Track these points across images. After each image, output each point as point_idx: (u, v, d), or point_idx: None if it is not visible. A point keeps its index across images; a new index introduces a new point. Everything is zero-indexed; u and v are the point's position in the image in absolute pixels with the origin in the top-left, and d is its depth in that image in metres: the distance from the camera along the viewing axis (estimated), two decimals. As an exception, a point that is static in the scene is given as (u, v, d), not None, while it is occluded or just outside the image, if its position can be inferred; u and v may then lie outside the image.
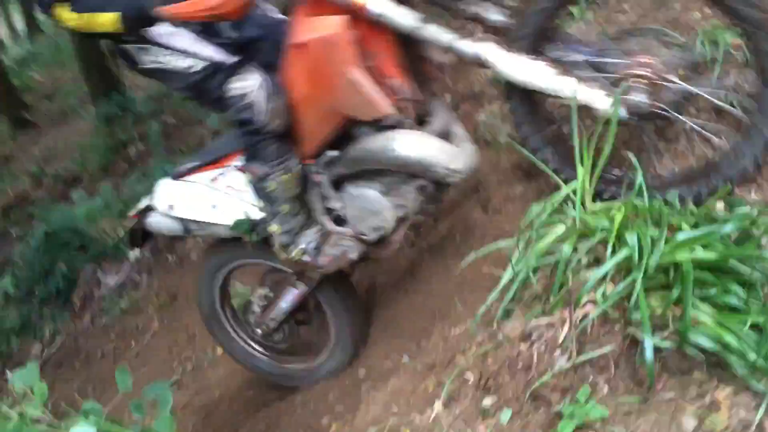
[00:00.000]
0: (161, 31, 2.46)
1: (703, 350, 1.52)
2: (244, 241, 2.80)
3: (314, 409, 2.92)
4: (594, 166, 1.97)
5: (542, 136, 2.42)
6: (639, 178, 1.85)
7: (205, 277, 3.19)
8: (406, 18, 2.25)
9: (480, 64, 2.28)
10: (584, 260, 1.79)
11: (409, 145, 2.39)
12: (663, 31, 2.33)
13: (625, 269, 1.68)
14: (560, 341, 1.68)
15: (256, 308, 3.11)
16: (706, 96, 2.23)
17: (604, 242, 1.75)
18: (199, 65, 2.46)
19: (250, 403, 3.32)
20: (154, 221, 2.98)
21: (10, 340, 5.94)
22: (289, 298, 2.99)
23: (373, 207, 2.56)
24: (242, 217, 2.75)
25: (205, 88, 2.49)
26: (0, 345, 5.90)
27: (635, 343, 1.59)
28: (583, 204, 1.91)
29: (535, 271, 1.88)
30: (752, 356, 1.47)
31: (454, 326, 2.23)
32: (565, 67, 2.19)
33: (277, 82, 2.42)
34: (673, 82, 2.12)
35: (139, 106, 9.08)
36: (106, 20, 2.36)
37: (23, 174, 10.36)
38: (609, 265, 1.66)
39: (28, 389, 1.92)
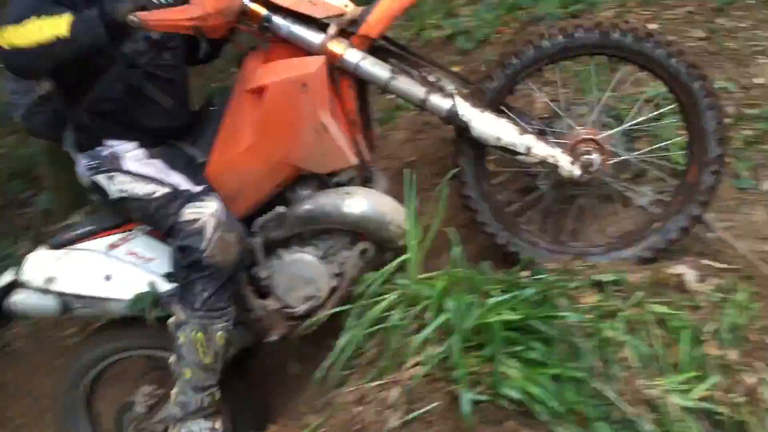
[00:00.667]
0: (132, 156, 2.39)
1: (513, 401, 1.72)
2: (144, 323, 2.49)
3: None
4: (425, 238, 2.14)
5: (484, 197, 2.48)
6: (457, 250, 2.07)
7: (71, 374, 2.77)
8: (381, 70, 2.23)
9: (449, 120, 2.30)
10: (412, 326, 1.96)
11: (366, 201, 2.31)
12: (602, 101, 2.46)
13: (446, 332, 1.87)
14: (390, 402, 1.81)
15: (140, 409, 2.72)
16: (641, 162, 2.50)
17: (427, 309, 1.94)
18: (160, 191, 2.34)
19: None
20: (20, 299, 2.57)
21: None
22: None
23: (309, 274, 2.39)
24: (145, 289, 2.46)
25: (162, 214, 2.33)
26: None
27: (457, 399, 1.76)
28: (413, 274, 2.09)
29: (367, 337, 2.02)
30: (554, 404, 1.69)
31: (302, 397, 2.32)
32: (523, 127, 2.32)
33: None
34: (614, 150, 2.36)
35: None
36: (53, 27, 2.08)
37: None
38: (430, 328, 1.84)
39: None
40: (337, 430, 1.83)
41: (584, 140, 2.32)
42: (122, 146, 2.43)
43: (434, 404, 1.77)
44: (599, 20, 2.29)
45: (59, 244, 2.58)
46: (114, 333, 2.71)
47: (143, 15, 2.05)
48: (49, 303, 2.53)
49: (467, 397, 1.70)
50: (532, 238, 2.50)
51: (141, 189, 2.35)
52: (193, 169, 2.41)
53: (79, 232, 2.58)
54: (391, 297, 2.06)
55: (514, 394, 1.71)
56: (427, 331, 1.84)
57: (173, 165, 2.40)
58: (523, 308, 1.84)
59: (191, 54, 2.58)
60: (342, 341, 2.04)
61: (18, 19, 2.09)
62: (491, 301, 1.87)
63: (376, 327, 2.02)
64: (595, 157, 2.31)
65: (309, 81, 2.15)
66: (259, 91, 2.20)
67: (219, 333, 2.30)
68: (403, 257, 2.12)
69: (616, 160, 2.38)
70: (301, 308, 2.44)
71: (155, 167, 2.39)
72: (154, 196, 2.34)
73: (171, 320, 2.34)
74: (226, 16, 2.08)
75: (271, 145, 2.24)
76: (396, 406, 1.79)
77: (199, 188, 2.35)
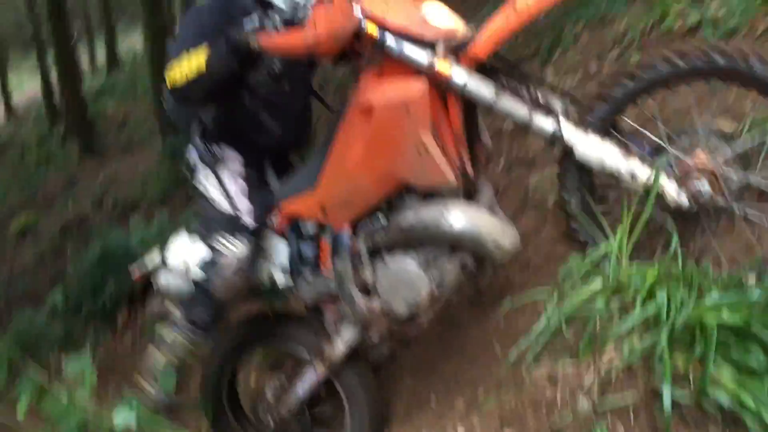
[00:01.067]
0: (230, 167, 2.70)
1: (720, 408, 1.58)
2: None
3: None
4: (632, 230, 2.05)
5: (584, 205, 2.42)
6: (674, 242, 1.94)
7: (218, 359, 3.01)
8: (486, 90, 2.22)
9: (552, 143, 2.28)
10: (616, 315, 1.87)
11: (464, 217, 2.31)
12: (710, 126, 2.35)
13: (653, 325, 1.76)
14: (584, 387, 1.75)
15: (270, 396, 2.89)
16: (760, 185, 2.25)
17: (635, 299, 1.84)
18: (223, 207, 2.64)
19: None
20: (163, 279, 2.83)
21: (52, 351, 6.12)
22: (306, 385, 2.78)
23: (410, 280, 2.40)
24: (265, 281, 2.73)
25: (210, 224, 2.66)
26: (42, 356, 6.11)
27: (656, 396, 1.65)
28: (619, 262, 2.00)
29: (567, 321, 1.96)
30: (768, 417, 1.53)
31: (487, 369, 2.31)
32: (632, 151, 2.24)
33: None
34: (728, 174, 2.16)
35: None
36: (196, 62, 2.35)
37: (86, 196, 10.84)
38: (636, 317, 1.75)
39: (78, 375, 2.06)
40: (527, 407, 1.81)
41: (694, 168, 2.18)
42: (228, 153, 2.72)
43: (631, 397, 1.68)
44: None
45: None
46: (260, 325, 2.96)
47: (262, 39, 2.23)
48: (185, 286, 2.76)
49: (669, 394, 1.60)
50: None
51: (215, 194, 2.67)
52: (265, 204, 2.67)
53: None
54: (595, 283, 1.98)
55: (724, 400, 1.57)
56: (632, 320, 1.75)
57: (251, 193, 2.68)
58: (746, 311, 1.68)
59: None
60: (540, 324, 2.00)
61: (177, 55, 2.39)
62: (709, 299, 1.72)
63: (576, 312, 1.95)
64: (704, 186, 2.16)
65: (411, 105, 2.19)
66: (369, 111, 2.27)
67: (193, 344, 2.77)
68: (610, 244, 2.04)
69: (730, 184, 2.18)
70: (403, 311, 2.46)
71: (237, 187, 2.67)
72: (218, 207, 2.65)
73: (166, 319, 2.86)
74: (338, 41, 2.17)
75: (379, 161, 2.32)
76: (590, 391, 1.73)
77: (251, 225, 2.61)
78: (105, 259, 6.37)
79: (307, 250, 2.59)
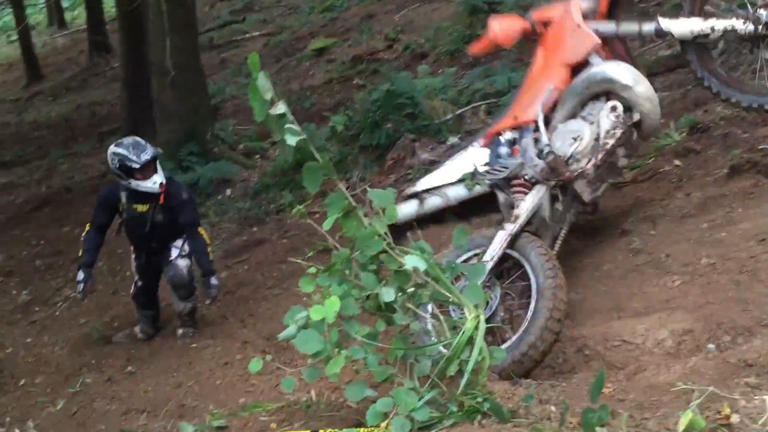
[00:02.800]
0: None
1: None
2: None
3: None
4: None
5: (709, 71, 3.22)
6: None
7: None
8: (609, 27, 3.28)
9: (659, 36, 3.32)
10: None
11: (609, 68, 3.12)
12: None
13: None
14: None
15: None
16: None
17: None
18: None
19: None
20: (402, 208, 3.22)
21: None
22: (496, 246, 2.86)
23: (575, 130, 3.10)
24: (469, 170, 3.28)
25: None
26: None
27: None
28: None
29: None
30: None
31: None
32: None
33: None
34: None
35: (507, 9, 9.18)
36: None
37: (377, 33, 11.20)
38: None
39: (380, 209, 2.12)
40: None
41: None
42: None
43: None
44: None
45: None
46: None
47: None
48: (411, 207, 3.38)
49: None
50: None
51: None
52: None
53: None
54: None
55: None
56: None
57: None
58: None
59: None
60: None
61: None
62: None
63: None
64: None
65: (569, 13, 3.30)
66: (544, 36, 3.39)
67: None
68: None
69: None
70: (569, 150, 3.05)
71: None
72: None
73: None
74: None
75: (551, 59, 3.29)
76: None
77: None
78: (389, 98, 6.56)
79: (502, 149, 3.28)
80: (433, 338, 2.13)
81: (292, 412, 2.66)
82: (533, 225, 3.01)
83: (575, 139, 3.07)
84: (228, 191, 7.22)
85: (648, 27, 3.25)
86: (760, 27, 3.02)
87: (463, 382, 1.88)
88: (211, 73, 11.68)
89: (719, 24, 3.10)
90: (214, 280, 4.27)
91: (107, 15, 15.92)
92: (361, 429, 1.96)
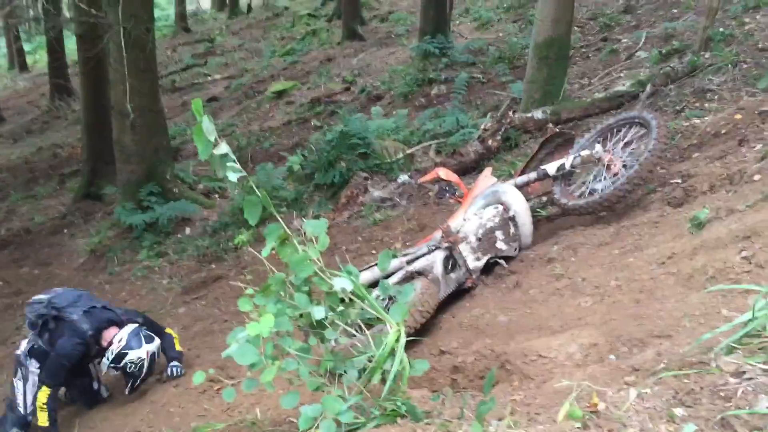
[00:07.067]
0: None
1: None
2: None
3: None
4: None
5: None
6: None
7: None
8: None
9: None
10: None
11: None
12: None
13: None
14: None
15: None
16: None
17: None
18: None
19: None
20: None
21: (281, 208, 6.83)
22: None
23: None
24: None
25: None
26: (269, 211, 6.83)
27: None
28: None
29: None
30: None
31: (673, 343, 2.29)
32: None
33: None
34: None
35: (457, 54, 9.64)
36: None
37: (336, 76, 11.58)
38: None
39: (313, 237, 2.36)
40: (698, 389, 1.81)
41: None
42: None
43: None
44: None
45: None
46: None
47: None
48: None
49: None
50: None
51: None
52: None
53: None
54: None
55: None
56: None
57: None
58: None
59: None
60: (744, 316, 1.95)
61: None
62: None
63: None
64: None
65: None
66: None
67: None
68: None
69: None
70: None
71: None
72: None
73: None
74: None
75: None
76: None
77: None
78: (343, 139, 6.85)
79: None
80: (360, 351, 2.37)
81: (239, 429, 2.85)
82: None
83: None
84: (187, 230, 7.41)
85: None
86: None
87: (385, 389, 2.12)
88: (173, 115, 11.91)
89: None
90: (174, 366, 4.21)
91: (69, 59, 16.07)
92: (295, 435, 2.18)
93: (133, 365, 3.90)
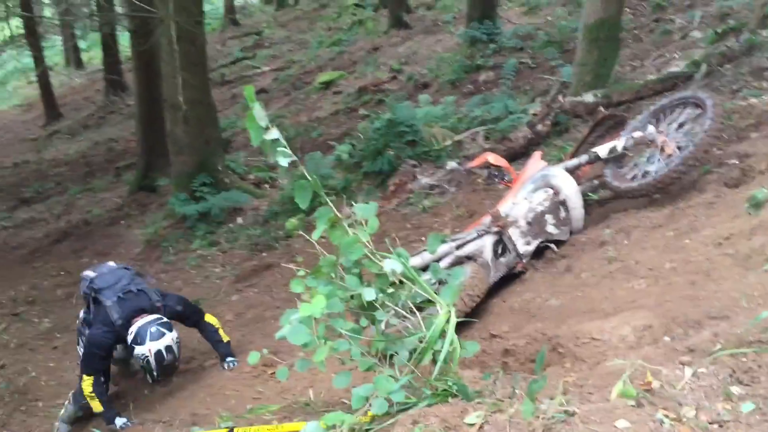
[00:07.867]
0: None
1: None
2: None
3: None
4: None
5: None
6: None
7: None
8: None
9: None
10: None
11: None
12: None
13: None
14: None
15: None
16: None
17: None
18: None
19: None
20: None
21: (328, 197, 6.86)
22: None
23: None
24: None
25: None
26: (319, 199, 6.89)
27: None
28: None
29: None
30: None
31: (731, 324, 2.25)
32: None
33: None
34: None
35: (505, 40, 9.55)
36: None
37: (382, 65, 11.59)
38: None
39: (363, 220, 2.38)
40: (756, 367, 1.77)
41: None
42: None
43: None
44: None
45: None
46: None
47: None
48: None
49: None
50: None
51: None
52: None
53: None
54: None
55: None
56: None
57: None
58: None
59: None
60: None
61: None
62: None
63: None
64: None
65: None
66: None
67: None
68: None
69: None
70: None
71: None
72: None
73: None
74: None
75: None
76: None
77: None
78: (390, 126, 6.86)
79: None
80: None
81: (293, 410, 2.91)
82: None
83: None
84: (239, 219, 7.54)
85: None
86: None
87: (436, 369, 2.13)
88: (223, 107, 12.12)
89: None
90: (230, 361, 4.26)
91: (122, 55, 16.47)
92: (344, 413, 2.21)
93: (141, 360, 3.89)
